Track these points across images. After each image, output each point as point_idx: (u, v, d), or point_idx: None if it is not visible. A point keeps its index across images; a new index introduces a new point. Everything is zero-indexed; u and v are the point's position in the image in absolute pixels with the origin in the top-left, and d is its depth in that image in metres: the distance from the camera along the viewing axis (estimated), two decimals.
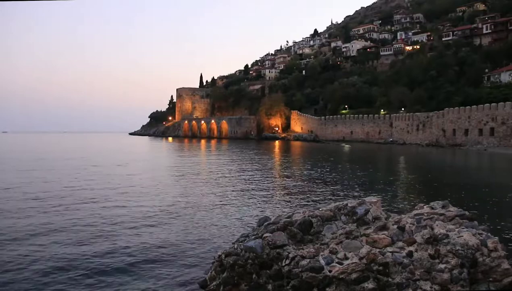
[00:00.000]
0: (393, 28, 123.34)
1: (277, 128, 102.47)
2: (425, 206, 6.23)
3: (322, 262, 5.09)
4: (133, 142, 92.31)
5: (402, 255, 4.96)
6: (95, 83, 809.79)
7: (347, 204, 6.02)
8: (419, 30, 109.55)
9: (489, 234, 5.19)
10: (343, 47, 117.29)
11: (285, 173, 26.95)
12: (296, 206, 14.14)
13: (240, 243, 5.85)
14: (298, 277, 5.12)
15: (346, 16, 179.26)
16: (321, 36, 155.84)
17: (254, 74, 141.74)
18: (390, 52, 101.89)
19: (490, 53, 74.99)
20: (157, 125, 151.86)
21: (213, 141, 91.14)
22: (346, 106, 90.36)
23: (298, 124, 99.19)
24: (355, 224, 5.72)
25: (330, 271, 4.98)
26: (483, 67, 71.08)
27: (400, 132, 73.10)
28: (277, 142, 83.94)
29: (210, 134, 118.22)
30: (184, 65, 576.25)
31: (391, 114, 76.70)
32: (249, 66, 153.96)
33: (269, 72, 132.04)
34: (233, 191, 18.23)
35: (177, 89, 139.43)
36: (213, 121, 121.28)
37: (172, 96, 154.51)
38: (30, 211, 13.26)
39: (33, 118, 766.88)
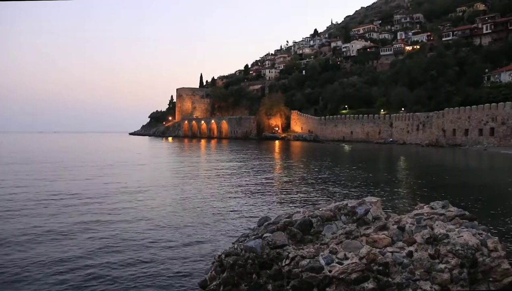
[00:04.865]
0: (393, 28, 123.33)
1: (277, 128, 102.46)
2: (425, 206, 6.23)
3: (322, 262, 5.09)
4: (133, 142, 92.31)
5: (402, 255, 4.96)
6: (95, 82, 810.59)
7: (347, 204, 6.02)
8: (419, 30, 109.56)
9: (489, 234, 5.19)
10: (343, 47, 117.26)
11: (285, 173, 26.96)
12: (296, 206, 14.14)
13: (240, 243, 5.85)
14: (298, 277, 5.12)
15: (346, 16, 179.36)
16: (321, 36, 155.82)
17: (254, 74, 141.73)
18: (390, 52, 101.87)
19: (490, 53, 74.97)
20: (157, 125, 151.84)
21: (213, 142, 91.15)
22: (346, 106, 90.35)
23: (298, 124, 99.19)
24: (355, 224, 5.71)
25: (330, 271, 4.97)
26: (483, 67, 71.05)
27: (400, 132, 73.10)
28: (277, 142, 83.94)
29: (210, 134, 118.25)
30: (184, 65, 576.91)
31: (391, 114, 76.69)
32: (249, 66, 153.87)
33: (269, 72, 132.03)
34: (233, 191, 18.23)
35: (177, 89, 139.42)
36: (213, 121, 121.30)
37: (172, 96, 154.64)
38: (26, 212, 13.26)
39: (27, 118, 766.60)
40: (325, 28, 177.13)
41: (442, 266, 4.79)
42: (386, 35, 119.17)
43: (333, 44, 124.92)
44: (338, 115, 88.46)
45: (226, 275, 5.66)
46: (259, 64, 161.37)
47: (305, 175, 25.02)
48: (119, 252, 8.86)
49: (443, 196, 15.41)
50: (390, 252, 5.00)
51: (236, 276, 5.57)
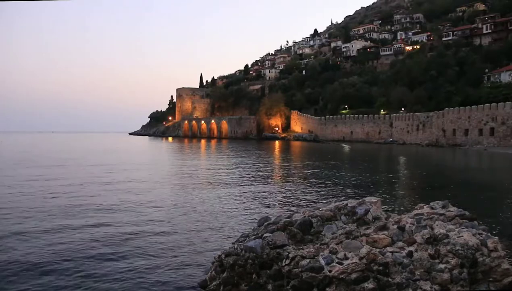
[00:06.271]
0: (393, 28, 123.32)
1: (277, 128, 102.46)
2: (425, 206, 6.23)
3: (322, 262, 5.09)
4: (133, 142, 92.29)
5: (402, 255, 4.96)
6: (95, 82, 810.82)
7: (347, 204, 6.02)
8: (419, 30, 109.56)
9: (489, 234, 5.19)
10: (343, 47, 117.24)
11: (285, 173, 26.96)
12: (296, 206, 14.14)
13: (240, 243, 5.85)
14: (298, 277, 5.12)
15: (346, 16, 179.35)
16: (321, 36, 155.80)
17: (254, 74, 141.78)
18: (390, 52, 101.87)
19: (490, 53, 74.98)
20: (157, 125, 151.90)
21: (213, 142, 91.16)
22: (346, 106, 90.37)
23: (298, 124, 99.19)
24: (355, 224, 5.71)
25: (330, 271, 4.97)
26: (483, 67, 71.05)
27: (400, 132, 73.10)
28: (277, 142, 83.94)
29: (210, 134, 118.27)
30: (184, 65, 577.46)
31: (391, 114, 76.70)
32: (249, 66, 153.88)
33: (269, 72, 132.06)
34: (233, 191, 18.22)
35: (177, 89, 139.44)
36: (213, 121, 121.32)
37: (172, 96, 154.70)
38: (29, 212, 13.26)
39: (27, 118, 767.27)
40: (325, 28, 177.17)
41: (442, 266, 4.79)
42: (386, 35, 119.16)
43: (333, 44, 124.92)
44: (338, 115, 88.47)
45: (226, 275, 5.67)
46: (259, 64, 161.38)
47: (305, 175, 25.02)
48: (119, 252, 8.86)
49: (443, 196, 15.40)
50: (390, 252, 5.00)
51: (236, 276, 5.57)
